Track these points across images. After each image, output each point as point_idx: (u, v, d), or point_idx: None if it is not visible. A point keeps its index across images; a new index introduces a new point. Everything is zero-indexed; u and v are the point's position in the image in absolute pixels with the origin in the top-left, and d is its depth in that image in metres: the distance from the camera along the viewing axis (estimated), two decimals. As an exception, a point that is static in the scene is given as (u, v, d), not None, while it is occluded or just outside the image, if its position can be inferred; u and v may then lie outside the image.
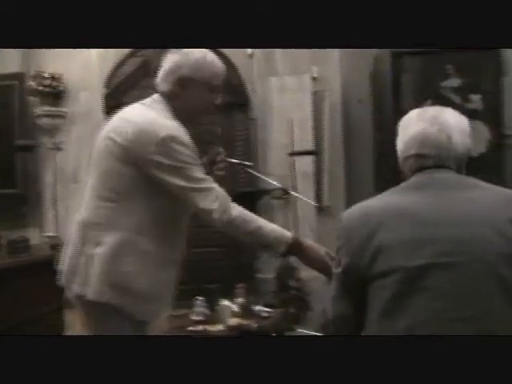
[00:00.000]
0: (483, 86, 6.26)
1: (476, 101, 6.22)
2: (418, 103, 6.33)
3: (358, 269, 1.82)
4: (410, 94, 6.27)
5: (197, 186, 2.35)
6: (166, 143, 2.32)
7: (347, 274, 1.87)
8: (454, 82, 6.27)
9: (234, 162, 5.72)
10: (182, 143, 2.35)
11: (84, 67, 6.38)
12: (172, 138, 2.33)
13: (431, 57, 6.14)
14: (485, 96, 6.23)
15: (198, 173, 2.38)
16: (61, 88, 6.31)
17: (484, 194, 1.82)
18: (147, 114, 2.43)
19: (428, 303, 1.71)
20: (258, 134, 6.46)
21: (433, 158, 1.87)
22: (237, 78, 6.36)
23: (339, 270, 1.90)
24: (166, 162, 2.32)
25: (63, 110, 6.40)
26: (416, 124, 1.93)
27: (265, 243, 2.47)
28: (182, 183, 2.34)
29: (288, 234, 2.55)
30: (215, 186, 2.39)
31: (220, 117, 6.30)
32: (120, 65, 6.46)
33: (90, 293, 2.36)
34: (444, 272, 1.70)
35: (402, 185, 1.94)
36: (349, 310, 1.90)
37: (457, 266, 1.70)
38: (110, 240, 2.37)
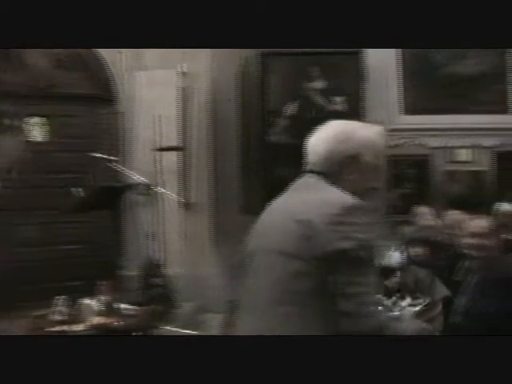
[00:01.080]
0: (346, 88, 6.50)
1: (339, 102, 6.46)
2: (284, 104, 6.52)
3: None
4: (276, 94, 6.40)
5: None
6: None
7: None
8: (319, 83, 6.47)
9: (98, 157, 5.58)
10: None
11: None
12: None
13: (297, 58, 6.29)
14: (347, 98, 6.48)
15: None
16: None
17: (315, 196, 1.97)
18: None
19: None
20: (124, 129, 6.35)
21: (310, 164, 2.08)
22: (104, 72, 6.22)
23: None
24: None
25: None
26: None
27: None
28: None
29: None
30: None
31: (85, 109, 6.14)
32: None
33: None
34: (253, 259, 2.00)
35: None
36: None
37: (259, 256, 1.99)
38: None
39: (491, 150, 7.18)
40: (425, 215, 5.86)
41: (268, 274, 1.93)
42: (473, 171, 7.33)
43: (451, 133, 7.05)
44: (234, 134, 6.49)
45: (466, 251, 3.43)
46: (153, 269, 5.62)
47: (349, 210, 1.89)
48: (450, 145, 7.27)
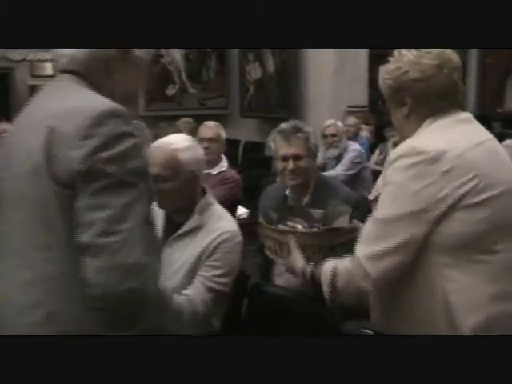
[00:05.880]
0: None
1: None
2: None
3: None
4: None
5: None
6: None
7: None
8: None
9: None
10: None
11: None
12: None
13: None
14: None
15: None
16: None
17: (63, 103, 1.56)
18: None
19: None
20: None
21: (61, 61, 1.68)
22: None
23: None
24: None
25: None
26: None
27: None
28: None
29: None
30: None
31: None
32: None
33: None
34: None
35: None
36: None
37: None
38: None
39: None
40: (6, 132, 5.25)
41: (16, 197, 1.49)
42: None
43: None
44: None
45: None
46: None
47: (102, 119, 1.43)
48: (32, 58, 7.26)
